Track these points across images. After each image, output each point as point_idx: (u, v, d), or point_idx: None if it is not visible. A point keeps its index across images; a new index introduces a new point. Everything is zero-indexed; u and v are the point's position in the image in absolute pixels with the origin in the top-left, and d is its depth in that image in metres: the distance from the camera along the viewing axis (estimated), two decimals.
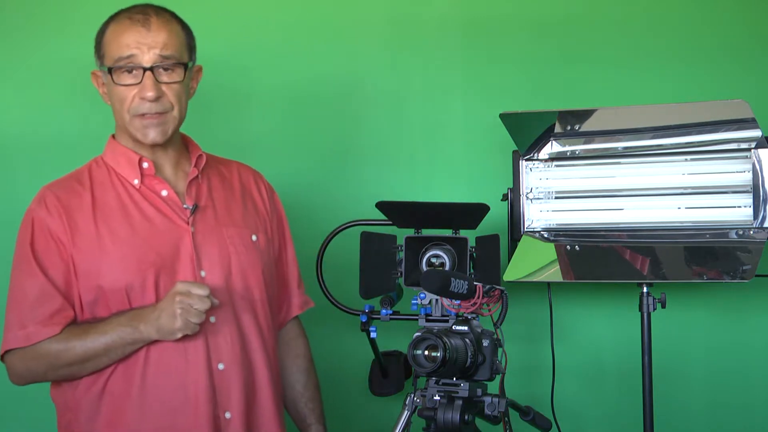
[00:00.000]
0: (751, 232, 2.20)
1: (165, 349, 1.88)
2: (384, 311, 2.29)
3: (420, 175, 2.76)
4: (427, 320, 2.11)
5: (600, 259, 2.32)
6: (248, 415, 1.95)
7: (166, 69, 1.91)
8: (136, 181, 1.97)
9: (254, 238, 2.05)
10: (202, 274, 1.94)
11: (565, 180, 2.41)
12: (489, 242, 2.13)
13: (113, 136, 2.03)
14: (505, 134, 2.37)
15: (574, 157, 2.39)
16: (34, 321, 1.87)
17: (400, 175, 2.76)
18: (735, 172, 2.25)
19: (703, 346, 2.67)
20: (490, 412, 1.90)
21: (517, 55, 2.75)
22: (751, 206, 2.21)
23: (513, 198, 2.44)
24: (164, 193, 1.98)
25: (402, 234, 2.20)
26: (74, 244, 1.89)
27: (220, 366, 1.92)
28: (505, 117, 2.32)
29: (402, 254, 2.17)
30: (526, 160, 2.42)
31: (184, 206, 1.97)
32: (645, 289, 2.24)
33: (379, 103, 2.77)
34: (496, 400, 1.90)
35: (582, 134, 2.37)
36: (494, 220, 2.31)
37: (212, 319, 1.91)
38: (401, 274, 2.17)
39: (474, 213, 2.15)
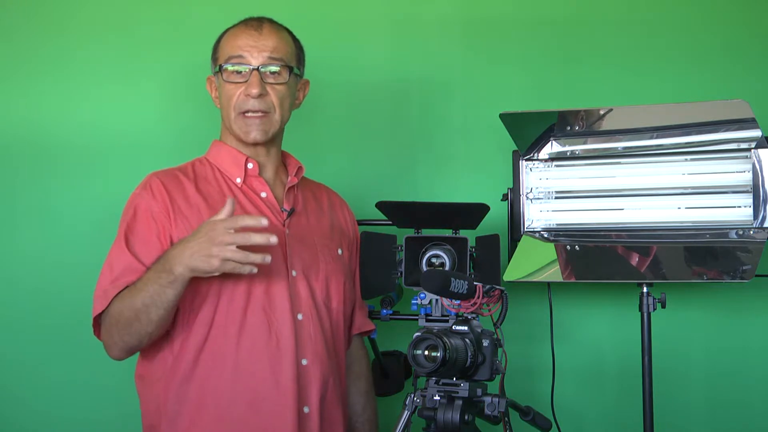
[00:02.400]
0: (751, 232, 2.20)
1: (258, 337, 1.93)
2: (384, 311, 2.30)
3: (420, 175, 2.76)
4: (427, 320, 2.11)
5: (600, 259, 2.32)
6: (321, 413, 1.99)
7: (272, 72, 2.03)
8: (238, 180, 2.06)
9: (340, 251, 2.14)
10: (293, 273, 2.00)
11: (565, 180, 2.41)
12: (489, 242, 2.13)
13: (216, 141, 2.13)
14: (505, 134, 2.36)
15: (574, 157, 2.39)
16: (113, 288, 1.90)
17: (400, 175, 2.76)
18: (735, 172, 2.25)
19: (702, 346, 2.67)
20: (490, 412, 1.90)
21: (517, 55, 2.76)
22: (751, 206, 2.21)
23: (513, 198, 2.44)
24: (263, 194, 2.06)
25: (402, 234, 2.20)
26: (176, 225, 1.96)
27: (304, 361, 1.97)
28: (505, 117, 2.32)
29: (402, 254, 2.17)
30: (526, 160, 2.42)
31: (282, 209, 2.05)
32: (645, 289, 2.24)
33: (379, 103, 2.77)
34: (496, 400, 1.91)
35: (582, 134, 2.37)
36: (494, 220, 2.31)
37: (299, 316, 1.99)
38: (401, 274, 2.17)
39: (474, 213, 2.15)
